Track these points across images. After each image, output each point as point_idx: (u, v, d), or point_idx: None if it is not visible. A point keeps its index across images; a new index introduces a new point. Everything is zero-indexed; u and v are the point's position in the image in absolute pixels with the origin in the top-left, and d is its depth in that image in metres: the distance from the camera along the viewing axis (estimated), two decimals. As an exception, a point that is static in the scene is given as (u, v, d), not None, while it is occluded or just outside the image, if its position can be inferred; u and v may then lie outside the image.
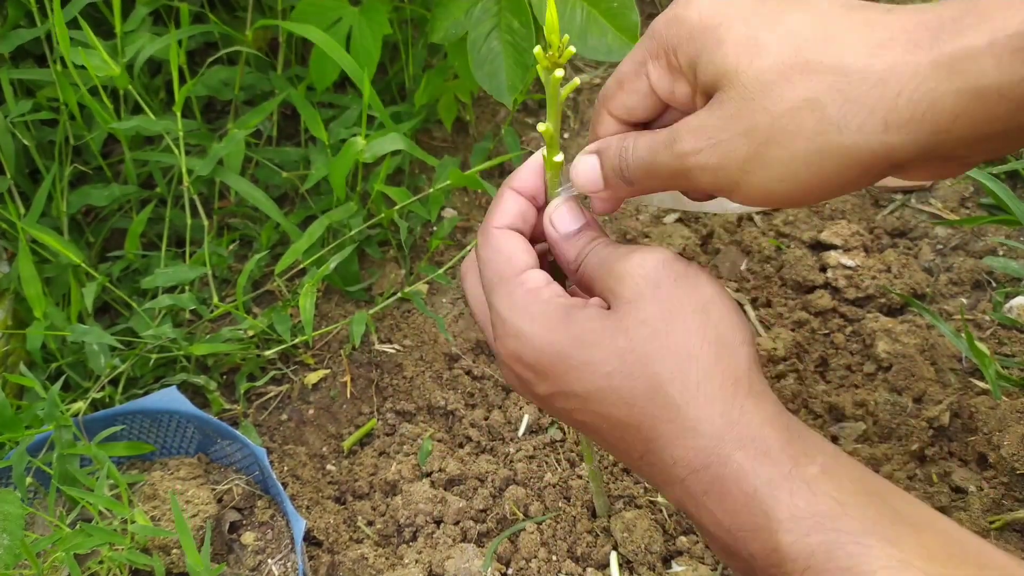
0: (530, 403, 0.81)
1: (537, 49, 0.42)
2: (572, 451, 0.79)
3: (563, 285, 0.50)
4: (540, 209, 0.49)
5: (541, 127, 0.46)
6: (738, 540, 0.38)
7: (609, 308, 0.43)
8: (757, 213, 0.99)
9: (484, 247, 0.46)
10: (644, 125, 0.47)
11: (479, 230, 0.47)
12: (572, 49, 0.42)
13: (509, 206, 0.47)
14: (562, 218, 0.47)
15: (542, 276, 0.45)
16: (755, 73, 0.38)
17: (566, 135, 1.14)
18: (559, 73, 0.42)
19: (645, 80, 0.44)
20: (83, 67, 0.85)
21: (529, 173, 0.48)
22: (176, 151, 0.89)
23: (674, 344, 0.40)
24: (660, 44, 0.42)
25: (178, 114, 0.88)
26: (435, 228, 1.00)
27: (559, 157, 0.47)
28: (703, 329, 0.40)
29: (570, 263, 0.46)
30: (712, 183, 0.41)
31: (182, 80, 0.91)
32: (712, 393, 0.39)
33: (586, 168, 0.46)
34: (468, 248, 0.96)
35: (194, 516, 0.72)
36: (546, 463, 0.78)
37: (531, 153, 1.08)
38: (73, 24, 0.87)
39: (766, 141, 0.38)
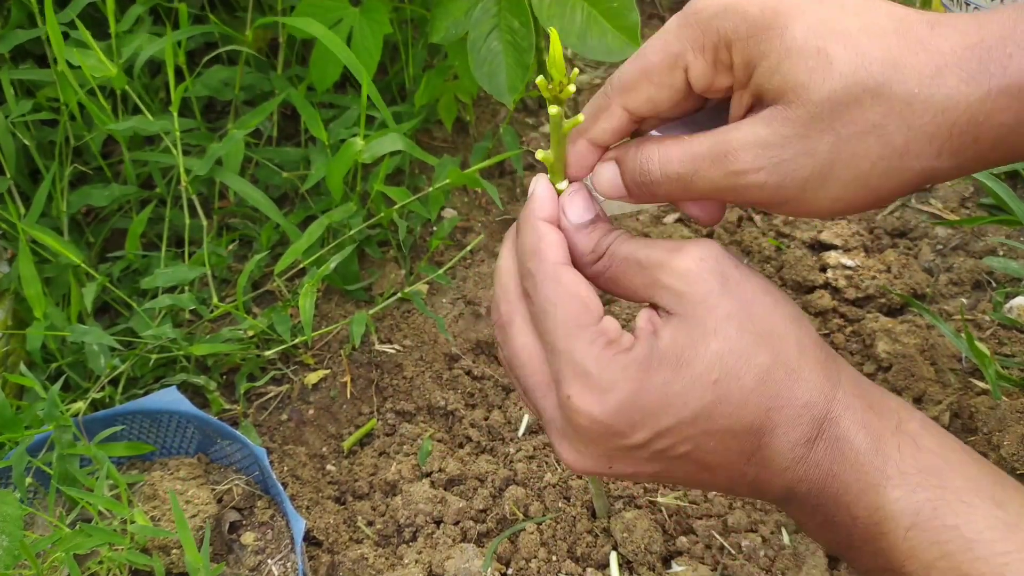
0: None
1: (540, 79, 0.40)
2: (572, 451, 0.79)
3: None
4: None
5: (540, 155, 0.44)
6: (841, 506, 0.38)
7: (665, 313, 0.41)
8: (757, 213, 0.99)
9: (551, 286, 0.41)
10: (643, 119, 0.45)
11: (532, 268, 0.43)
12: (572, 89, 0.40)
13: (555, 238, 0.43)
14: (575, 207, 0.44)
15: (616, 324, 0.42)
16: (828, 92, 0.37)
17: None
18: (555, 109, 0.41)
19: (681, 74, 0.41)
20: (79, 68, 0.85)
21: (551, 200, 0.44)
22: (174, 151, 0.89)
23: (762, 330, 0.40)
24: (708, 35, 0.40)
25: (174, 114, 0.88)
26: (435, 228, 1.00)
27: (563, 184, 0.45)
28: (777, 308, 0.41)
29: (585, 255, 0.43)
30: (764, 200, 0.40)
31: (182, 80, 0.91)
32: (812, 363, 0.40)
33: (607, 175, 0.44)
34: (468, 248, 0.96)
35: (194, 516, 0.72)
36: (546, 463, 0.78)
37: (530, 152, 1.09)
38: (74, 24, 0.88)
39: (830, 162, 0.38)
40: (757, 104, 0.40)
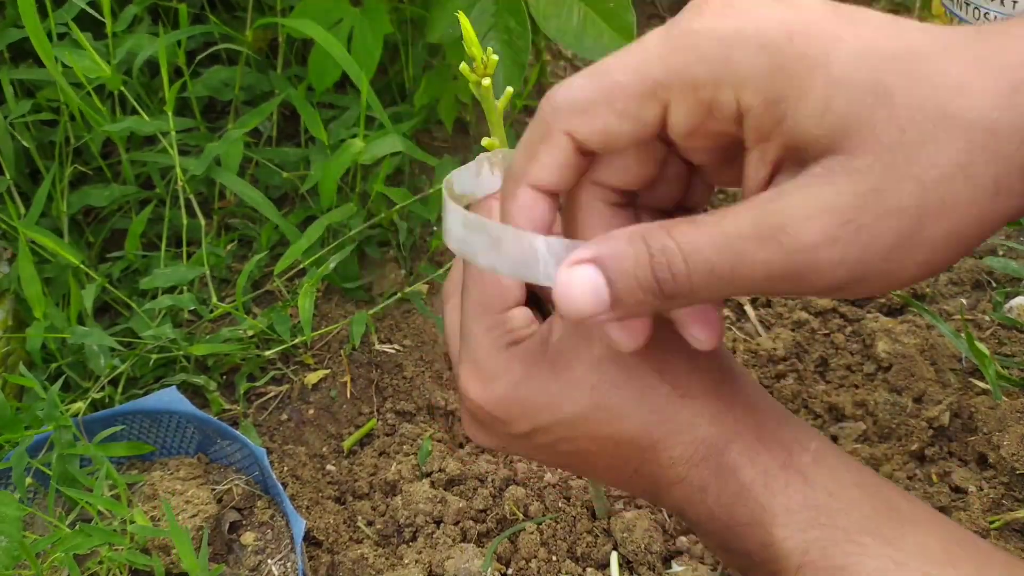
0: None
1: (463, 66, 0.40)
2: (572, 451, 0.79)
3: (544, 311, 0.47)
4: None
5: (486, 141, 0.42)
6: (735, 536, 0.37)
7: None
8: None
9: (477, 269, 0.41)
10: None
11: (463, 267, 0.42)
12: (495, 58, 0.39)
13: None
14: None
15: (526, 316, 0.41)
16: (897, 134, 0.28)
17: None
18: (486, 82, 0.40)
19: (658, 109, 0.31)
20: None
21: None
22: (171, 151, 0.89)
23: (652, 344, 0.37)
24: (709, 67, 0.30)
25: (169, 113, 0.88)
26: (435, 228, 1.00)
27: (486, 140, 0.44)
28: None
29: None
30: (836, 283, 0.29)
31: (180, 80, 0.91)
32: (703, 384, 0.38)
33: (584, 286, 0.31)
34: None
35: (194, 516, 0.72)
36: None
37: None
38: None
39: (919, 218, 0.29)
40: (790, 161, 0.30)
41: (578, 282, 0.31)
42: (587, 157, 0.34)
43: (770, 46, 0.29)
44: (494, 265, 0.33)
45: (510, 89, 0.42)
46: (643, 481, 0.40)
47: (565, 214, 0.36)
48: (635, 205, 0.36)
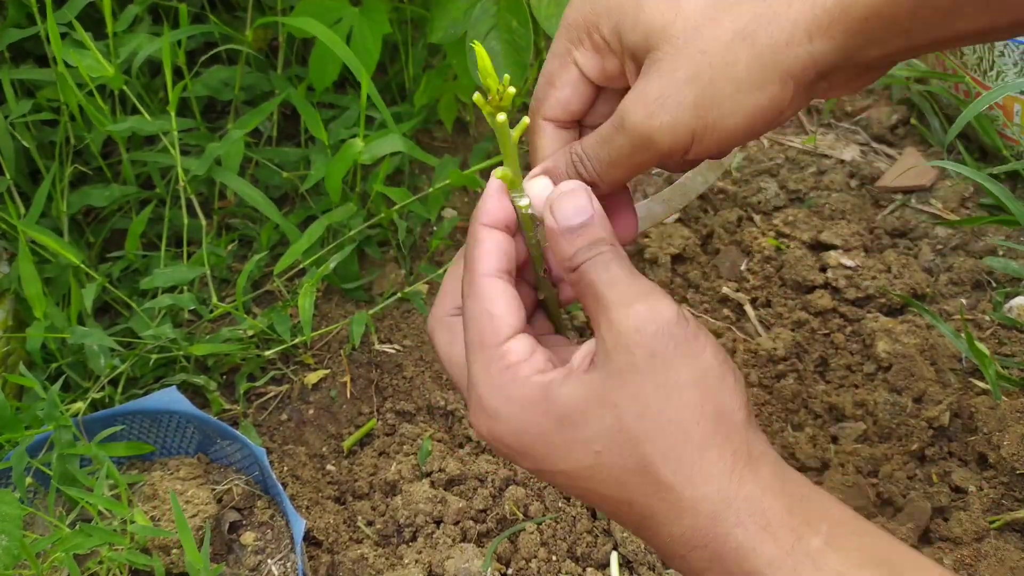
0: None
1: (476, 95, 0.40)
2: (572, 451, 0.79)
3: (553, 302, 0.48)
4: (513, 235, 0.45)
5: (499, 173, 0.43)
6: None
7: (595, 359, 0.39)
8: (757, 213, 0.99)
9: (472, 299, 0.42)
10: (578, 125, 0.47)
11: (464, 278, 0.43)
12: (512, 90, 0.40)
13: (489, 246, 0.42)
14: (564, 209, 0.41)
15: (525, 347, 0.41)
16: (683, 23, 0.39)
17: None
18: (501, 117, 0.40)
19: (574, 68, 0.44)
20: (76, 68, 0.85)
21: (494, 203, 0.43)
22: (172, 151, 0.89)
23: (668, 423, 0.37)
24: (579, 28, 0.43)
25: (172, 113, 0.88)
26: (435, 228, 1.00)
27: (524, 201, 0.43)
28: (701, 404, 0.37)
29: (564, 260, 0.41)
30: (673, 141, 0.40)
31: (182, 80, 0.91)
32: (708, 470, 0.37)
33: (541, 191, 0.44)
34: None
35: (194, 516, 0.72)
36: (546, 463, 0.78)
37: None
38: (72, 24, 0.87)
39: (710, 81, 0.39)
40: (639, 68, 0.42)
41: (537, 186, 0.44)
42: (567, 127, 0.47)
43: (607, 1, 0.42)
44: None
45: (526, 120, 0.42)
46: (646, 541, 0.40)
47: (529, 143, 0.47)
48: (578, 127, 0.47)
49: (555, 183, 0.44)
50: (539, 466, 0.40)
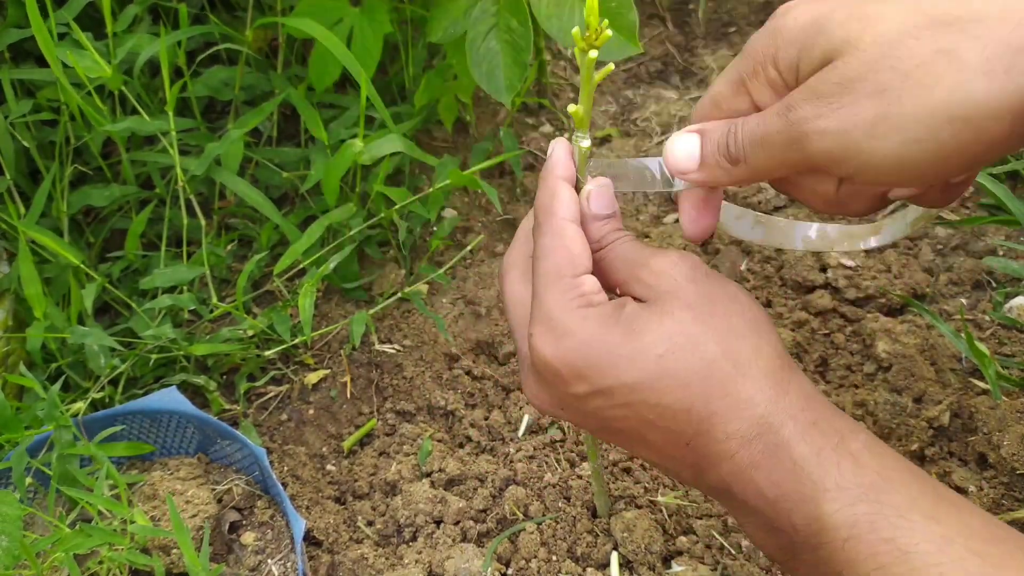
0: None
1: (575, 30, 0.42)
2: (572, 451, 0.79)
3: None
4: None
5: (572, 108, 0.45)
6: (781, 513, 0.39)
7: (640, 301, 0.44)
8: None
9: (551, 237, 0.45)
10: None
11: (540, 221, 0.46)
12: (609, 32, 0.42)
13: (568, 196, 0.46)
14: (599, 200, 0.47)
15: (596, 283, 0.45)
16: (873, 37, 0.35)
17: (566, 135, 1.14)
18: (593, 54, 0.43)
19: (746, 99, 0.44)
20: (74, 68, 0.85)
21: (568, 161, 0.47)
22: (171, 151, 0.89)
23: (720, 324, 0.41)
24: (756, 60, 0.42)
25: (170, 113, 0.88)
26: (435, 228, 1.00)
27: (586, 142, 0.47)
28: (742, 312, 0.42)
29: (593, 242, 0.47)
30: (832, 150, 0.37)
31: (181, 79, 0.91)
32: (763, 367, 0.41)
33: (686, 146, 0.45)
34: (468, 248, 0.96)
35: (194, 516, 0.72)
36: (546, 463, 0.78)
37: (531, 153, 1.08)
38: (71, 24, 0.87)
39: (898, 98, 0.34)
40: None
41: (681, 143, 0.46)
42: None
43: (785, 30, 0.40)
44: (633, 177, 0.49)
45: (611, 66, 0.44)
46: (692, 456, 0.42)
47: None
48: None
49: (704, 142, 0.45)
50: (598, 384, 0.42)
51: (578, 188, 0.48)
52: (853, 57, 0.36)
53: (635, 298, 0.44)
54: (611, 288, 0.46)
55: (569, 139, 0.48)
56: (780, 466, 0.39)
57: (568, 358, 0.42)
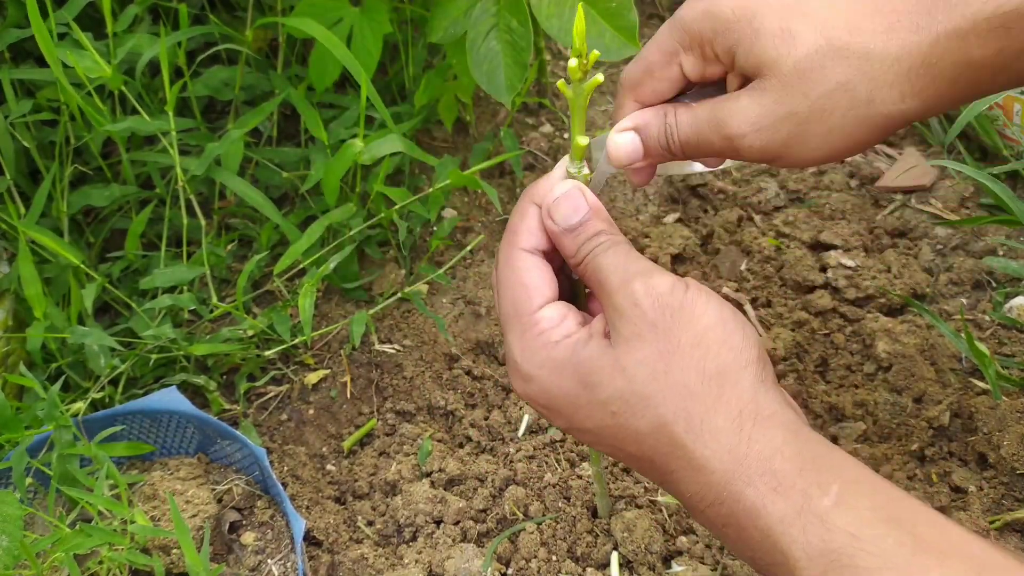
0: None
1: (573, 63, 0.43)
2: (572, 451, 0.79)
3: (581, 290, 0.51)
4: None
5: (582, 141, 0.46)
6: (764, 570, 0.39)
7: (606, 332, 0.44)
8: (757, 213, 0.98)
9: (505, 269, 0.45)
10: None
11: (501, 246, 0.46)
12: (597, 52, 0.44)
13: (533, 223, 0.46)
14: (561, 211, 0.46)
15: (557, 312, 0.44)
16: (793, 63, 0.43)
17: (566, 135, 1.14)
18: (591, 81, 0.45)
19: (677, 68, 0.48)
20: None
21: (551, 185, 0.47)
22: (171, 151, 0.89)
23: (674, 383, 0.40)
24: (692, 36, 0.47)
25: (170, 113, 0.88)
26: (435, 228, 1.00)
27: (587, 170, 0.48)
28: (702, 364, 0.40)
29: (570, 257, 0.46)
30: (757, 157, 0.46)
31: (181, 79, 0.91)
32: (717, 428, 0.39)
33: (626, 142, 0.49)
34: (468, 248, 0.96)
35: (194, 516, 0.72)
36: (546, 463, 0.78)
37: (531, 153, 1.08)
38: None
39: (806, 120, 0.44)
40: (744, 81, 0.47)
41: (623, 141, 0.49)
42: (652, 105, 0.50)
43: (721, 16, 0.45)
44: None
45: (599, 77, 0.45)
46: (674, 488, 0.42)
47: (615, 114, 0.51)
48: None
49: (644, 137, 0.49)
50: (569, 424, 0.44)
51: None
52: (775, 80, 0.44)
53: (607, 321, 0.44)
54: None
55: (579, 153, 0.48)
56: (747, 533, 0.38)
57: (537, 400, 0.44)
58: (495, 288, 0.47)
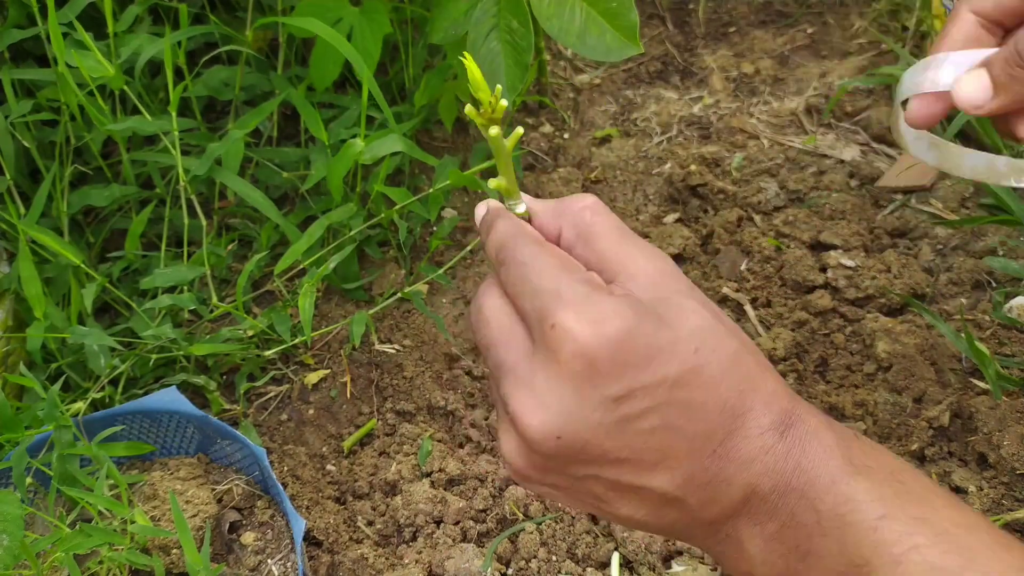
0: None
1: (468, 107, 0.39)
2: (572, 451, 0.79)
3: None
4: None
5: (493, 184, 0.41)
6: (806, 501, 0.38)
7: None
8: (757, 213, 0.98)
9: (532, 249, 0.40)
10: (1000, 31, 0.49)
11: (506, 247, 0.41)
12: (504, 103, 0.38)
13: (530, 228, 0.43)
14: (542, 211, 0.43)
15: (598, 276, 0.41)
16: None
17: (566, 135, 1.14)
18: (494, 131, 0.39)
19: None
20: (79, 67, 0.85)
21: (511, 215, 0.43)
22: (172, 151, 0.89)
23: (728, 323, 0.40)
24: None
25: (173, 113, 0.88)
26: (435, 228, 1.00)
27: (521, 208, 0.42)
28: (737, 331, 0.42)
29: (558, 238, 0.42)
30: None
31: (182, 80, 0.91)
32: (775, 375, 0.41)
33: (976, 82, 0.47)
34: (468, 248, 0.96)
35: (194, 516, 0.72)
36: (546, 463, 0.78)
37: (531, 153, 1.08)
38: (72, 25, 0.87)
39: None
40: None
41: (970, 82, 0.47)
42: (990, 21, 0.48)
43: None
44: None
45: (520, 130, 0.40)
46: (716, 465, 0.39)
47: (944, 30, 0.49)
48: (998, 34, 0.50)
49: (994, 73, 0.46)
50: (638, 380, 0.37)
51: None
52: None
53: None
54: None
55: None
56: (810, 453, 0.39)
57: (611, 347, 0.36)
58: (517, 273, 0.40)
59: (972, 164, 0.53)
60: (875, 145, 1.06)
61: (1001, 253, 0.89)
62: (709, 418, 0.38)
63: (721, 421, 0.39)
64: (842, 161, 1.04)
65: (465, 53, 0.39)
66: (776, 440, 0.39)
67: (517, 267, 0.39)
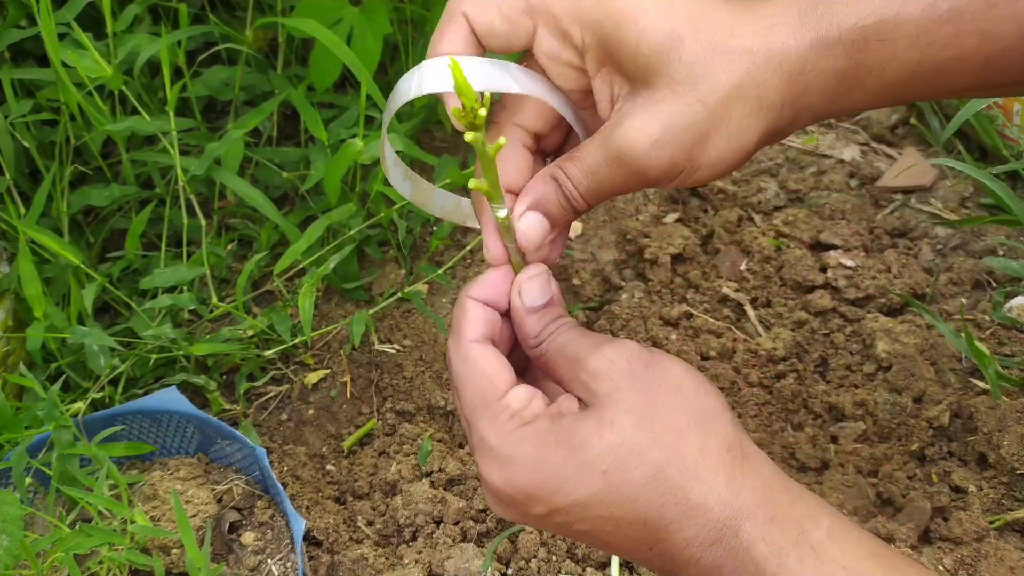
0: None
1: (454, 108, 0.39)
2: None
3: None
4: (504, 315, 0.47)
5: (473, 184, 0.43)
6: None
7: (583, 405, 0.42)
8: (756, 213, 0.98)
9: (461, 364, 0.44)
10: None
11: (449, 347, 0.45)
12: (484, 113, 0.39)
13: (477, 314, 0.45)
14: (531, 291, 0.46)
15: (525, 392, 0.43)
16: (684, 70, 0.41)
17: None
18: (469, 136, 0.40)
19: (528, 34, 0.43)
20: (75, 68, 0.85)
21: (488, 284, 0.46)
22: (171, 151, 0.89)
23: (662, 427, 0.40)
24: (558, 10, 0.42)
25: (171, 113, 0.88)
26: (435, 228, 1.00)
27: (503, 212, 0.45)
28: (684, 406, 0.41)
29: (530, 338, 0.45)
30: (665, 175, 0.43)
31: (180, 79, 0.91)
32: (711, 466, 0.39)
33: (534, 225, 0.45)
34: (468, 248, 0.96)
35: (194, 516, 0.72)
36: (546, 463, 0.78)
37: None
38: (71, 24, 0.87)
39: (706, 132, 0.41)
40: (621, 85, 0.43)
41: (530, 224, 0.45)
42: (481, 46, 0.44)
43: (602, 1, 0.41)
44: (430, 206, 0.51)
45: (502, 140, 0.41)
46: (659, 559, 0.41)
47: (500, 165, 0.46)
48: (540, 151, 0.48)
49: (545, 214, 0.45)
50: (551, 504, 0.41)
51: (511, 259, 0.46)
52: (670, 89, 0.41)
53: (578, 398, 0.43)
54: (557, 382, 0.45)
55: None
56: (744, 569, 0.38)
57: (516, 485, 0.41)
58: (454, 387, 0.44)
59: (441, 203, 0.52)
60: (875, 145, 1.06)
61: (1001, 253, 0.89)
62: (631, 531, 0.41)
63: (644, 533, 0.40)
64: (842, 161, 1.04)
65: (452, 57, 0.38)
66: (701, 552, 0.39)
67: (454, 382, 0.44)
